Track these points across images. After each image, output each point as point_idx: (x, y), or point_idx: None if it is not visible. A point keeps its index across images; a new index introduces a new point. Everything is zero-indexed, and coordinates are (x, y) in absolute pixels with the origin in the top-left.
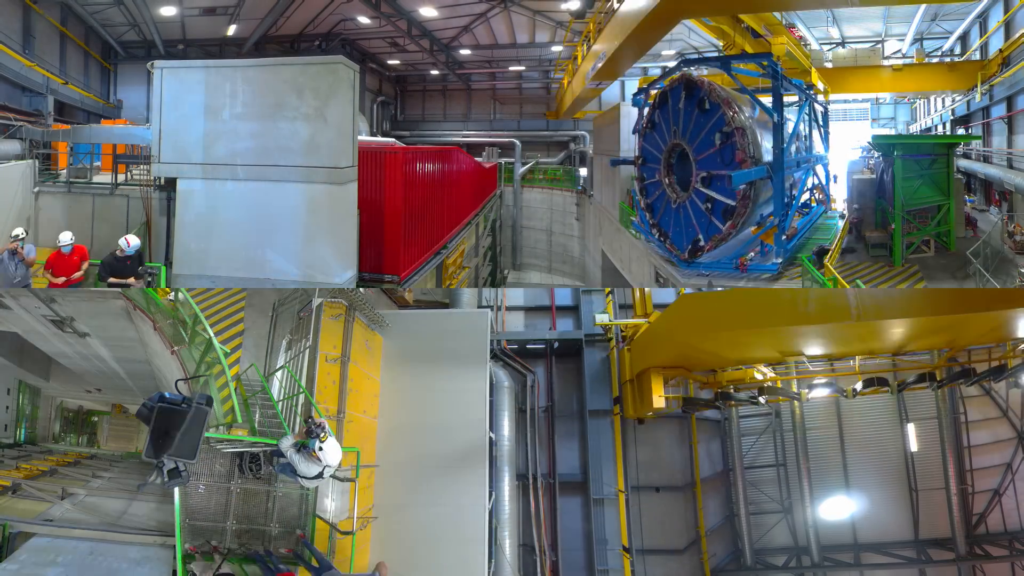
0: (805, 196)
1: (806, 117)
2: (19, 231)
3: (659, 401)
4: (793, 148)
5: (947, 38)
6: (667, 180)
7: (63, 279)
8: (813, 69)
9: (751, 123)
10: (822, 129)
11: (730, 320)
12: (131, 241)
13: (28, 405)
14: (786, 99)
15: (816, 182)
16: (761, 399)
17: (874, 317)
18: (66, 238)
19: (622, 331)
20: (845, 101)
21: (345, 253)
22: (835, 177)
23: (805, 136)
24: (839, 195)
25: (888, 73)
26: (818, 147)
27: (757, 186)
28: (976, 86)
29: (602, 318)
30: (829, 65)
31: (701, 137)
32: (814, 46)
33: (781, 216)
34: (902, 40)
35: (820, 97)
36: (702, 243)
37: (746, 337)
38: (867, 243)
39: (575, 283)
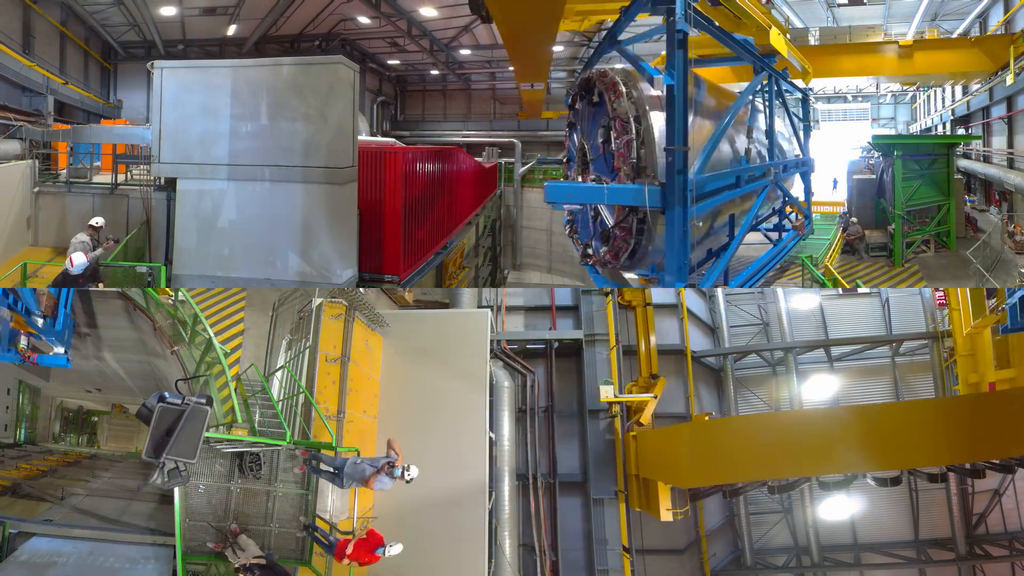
0: (773, 219)
1: (764, 99)
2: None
3: (666, 515)
4: (744, 147)
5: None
6: (580, 177)
7: None
8: (775, 30)
9: (648, 112)
10: (799, 123)
11: (733, 471)
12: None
13: (28, 405)
14: (736, 87)
15: (790, 198)
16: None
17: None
18: None
19: (628, 406)
20: (844, 100)
21: (345, 253)
22: (834, 182)
23: (765, 130)
24: (837, 197)
25: (893, 52)
26: (794, 148)
27: (654, 217)
28: (1008, 64)
29: (607, 392)
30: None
31: (595, 134)
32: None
33: (677, 270)
34: None
35: (798, 82)
36: (590, 250)
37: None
38: (867, 243)
39: (575, 283)
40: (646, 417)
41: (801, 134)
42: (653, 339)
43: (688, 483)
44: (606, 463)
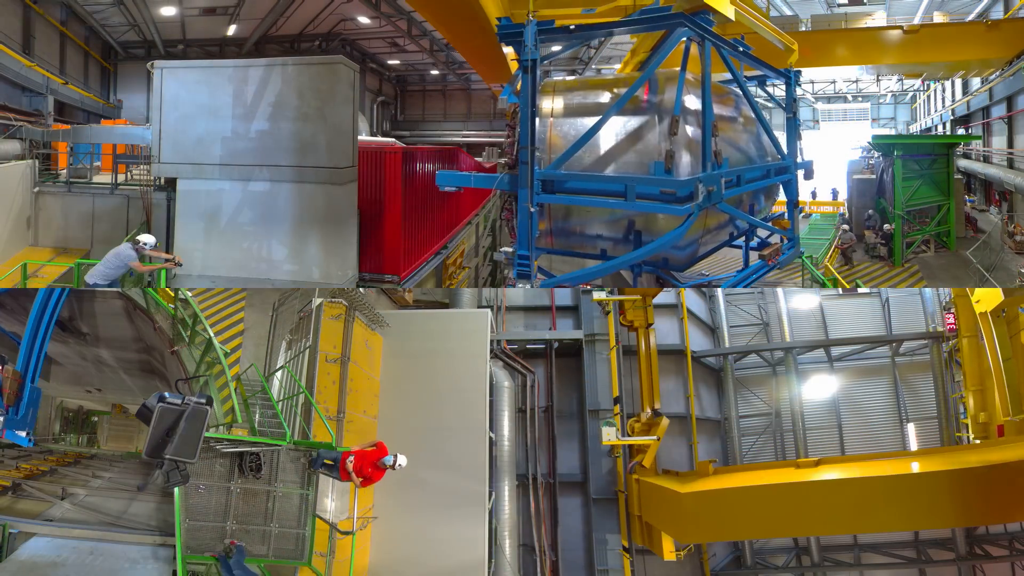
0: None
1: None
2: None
3: (670, 556)
4: (662, 151)
5: None
6: None
7: None
8: None
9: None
10: (787, 118)
11: (739, 532)
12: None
13: None
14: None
15: (752, 222)
16: None
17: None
18: None
19: (632, 448)
20: (844, 100)
21: (345, 253)
22: (834, 193)
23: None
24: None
25: (897, 38)
26: (772, 150)
27: (551, 208)
28: None
29: (608, 434)
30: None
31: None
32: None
33: (521, 245)
34: None
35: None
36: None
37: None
38: (867, 244)
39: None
40: (648, 460)
41: (781, 131)
42: (655, 352)
43: (691, 540)
44: (606, 465)
